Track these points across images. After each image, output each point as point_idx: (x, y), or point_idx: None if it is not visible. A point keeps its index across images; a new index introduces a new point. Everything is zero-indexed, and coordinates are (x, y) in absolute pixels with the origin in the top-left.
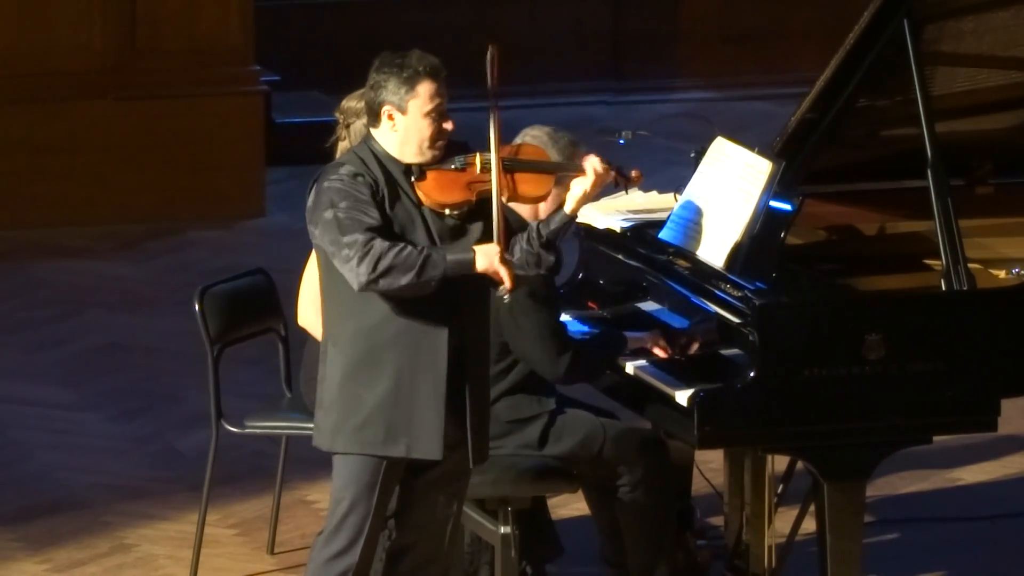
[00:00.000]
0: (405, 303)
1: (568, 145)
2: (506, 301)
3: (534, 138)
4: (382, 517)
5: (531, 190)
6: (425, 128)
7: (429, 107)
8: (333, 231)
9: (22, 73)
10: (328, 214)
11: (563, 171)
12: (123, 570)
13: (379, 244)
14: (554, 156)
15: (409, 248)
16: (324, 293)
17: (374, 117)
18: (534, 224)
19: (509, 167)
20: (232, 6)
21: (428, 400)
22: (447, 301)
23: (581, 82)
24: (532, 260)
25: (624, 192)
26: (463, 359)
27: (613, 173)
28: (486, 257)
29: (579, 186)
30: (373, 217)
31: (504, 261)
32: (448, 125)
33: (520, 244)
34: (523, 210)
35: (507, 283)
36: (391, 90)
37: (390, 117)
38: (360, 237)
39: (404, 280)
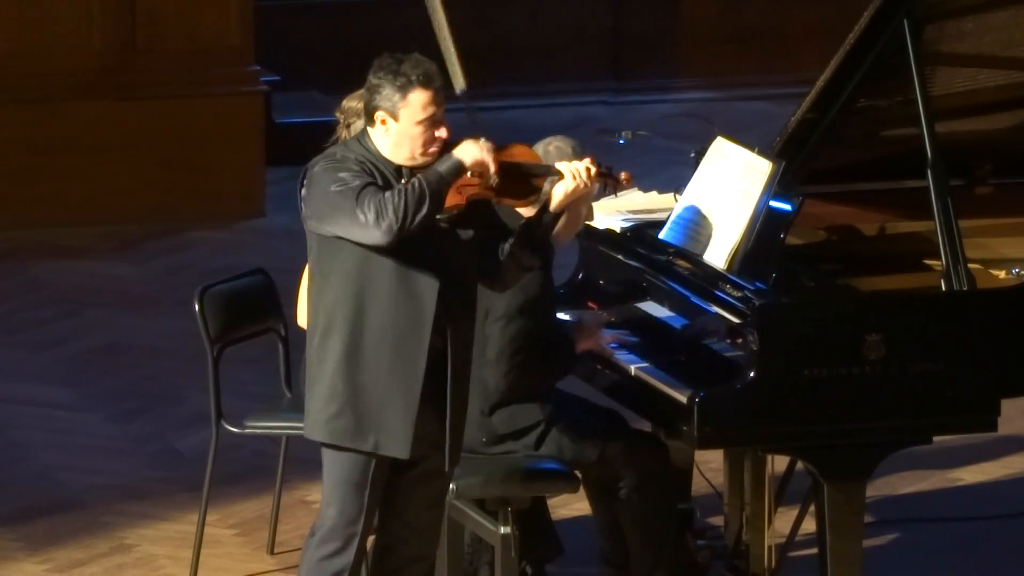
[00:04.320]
0: (392, 302)
1: (572, 149)
2: (494, 184)
3: (558, 148)
4: (373, 516)
5: (522, 191)
6: (417, 136)
7: (421, 116)
8: (342, 201)
9: (22, 73)
10: (333, 187)
11: (553, 174)
12: (123, 570)
13: (386, 196)
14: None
15: (409, 185)
16: (313, 284)
17: (369, 118)
18: (520, 224)
19: (500, 168)
20: (232, 6)
21: (401, 399)
22: (434, 302)
23: (581, 82)
24: (519, 257)
25: (614, 195)
26: (446, 359)
27: (595, 173)
28: (469, 153)
29: (561, 188)
30: (373, 182)
31: (485, 150)
32: (441, 133)
33: (508, 242)
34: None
35: (491, 169)
36: (385, 96)
37: (383, 122)
38: (368, 197)
39: (424, 210)
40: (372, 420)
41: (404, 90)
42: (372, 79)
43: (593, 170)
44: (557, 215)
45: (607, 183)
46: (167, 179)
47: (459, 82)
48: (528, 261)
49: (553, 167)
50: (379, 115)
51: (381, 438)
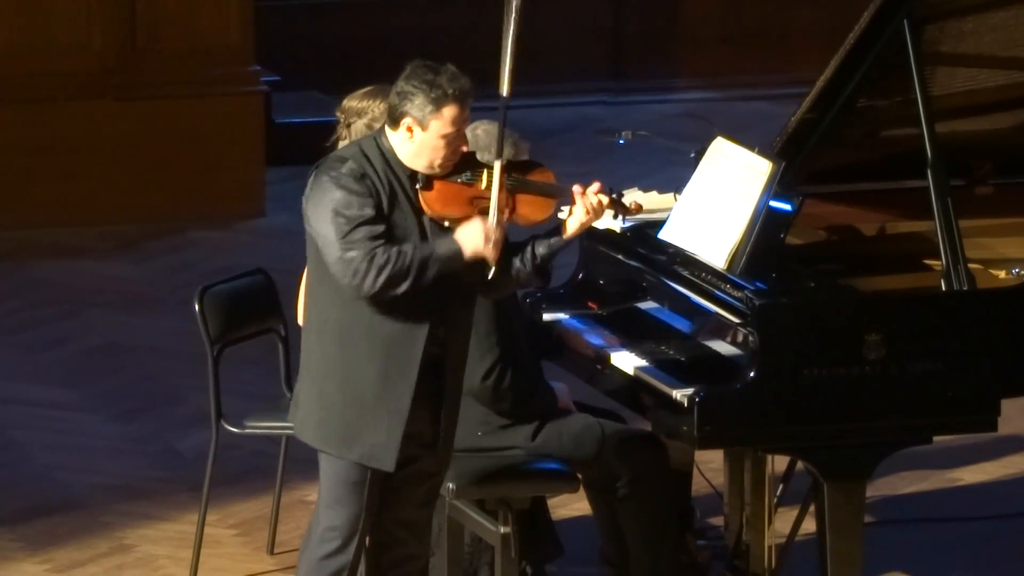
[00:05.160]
0: (388, 311)
1: (512, 144)
2: (490, 277)
3: (486, 132)
4: (372, 514)
5: (532, 213)
6: (441, 148)
7: (450, 130)
8: (331, 231)
9: (22, 73)
10: (329, 210)
11: (566, 197)
12: (123, 570)
13: (379, 256)
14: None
15: (403, 254)
16: (311, 285)
17: (393, 122)
18: (530, 245)
19: (514, 187)
20: (232, 6)
21: (390, 411)
22: (430, 310)
23: (581, 82)
24: (524, 276)
25: (622, 221)
26: (442, 363)
27: (607, 203)
28: (472, 246)
29: (575, 220)
30: (371, 216)
31: (489, 242)
32: (464, 147)
33: (515, 261)
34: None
35: (491, 262)
36: (417, 105)
37: (409, 129)
38: (361, 247)
39: (403, 288)
40: (358, 431)
41: (439, 103)
42: (405, 86)
43: (605, 200)
44: (567, 242)
45: (618, 211)
46: (167, 179)
47: (505, 87)
48: (528, 277)
49: (567, 190)
50: (406, 122)
51: (367, 450)
